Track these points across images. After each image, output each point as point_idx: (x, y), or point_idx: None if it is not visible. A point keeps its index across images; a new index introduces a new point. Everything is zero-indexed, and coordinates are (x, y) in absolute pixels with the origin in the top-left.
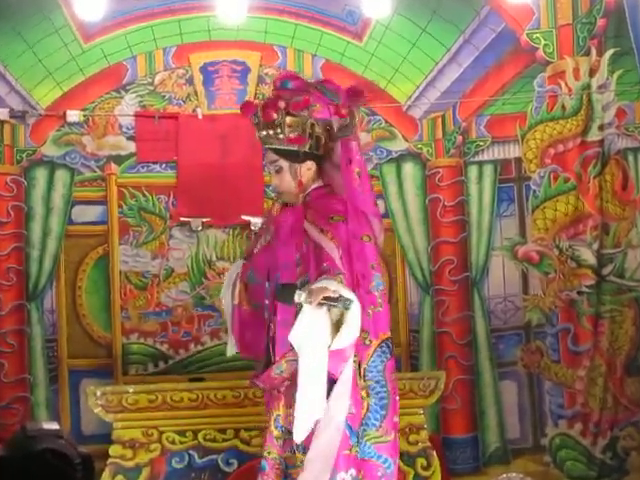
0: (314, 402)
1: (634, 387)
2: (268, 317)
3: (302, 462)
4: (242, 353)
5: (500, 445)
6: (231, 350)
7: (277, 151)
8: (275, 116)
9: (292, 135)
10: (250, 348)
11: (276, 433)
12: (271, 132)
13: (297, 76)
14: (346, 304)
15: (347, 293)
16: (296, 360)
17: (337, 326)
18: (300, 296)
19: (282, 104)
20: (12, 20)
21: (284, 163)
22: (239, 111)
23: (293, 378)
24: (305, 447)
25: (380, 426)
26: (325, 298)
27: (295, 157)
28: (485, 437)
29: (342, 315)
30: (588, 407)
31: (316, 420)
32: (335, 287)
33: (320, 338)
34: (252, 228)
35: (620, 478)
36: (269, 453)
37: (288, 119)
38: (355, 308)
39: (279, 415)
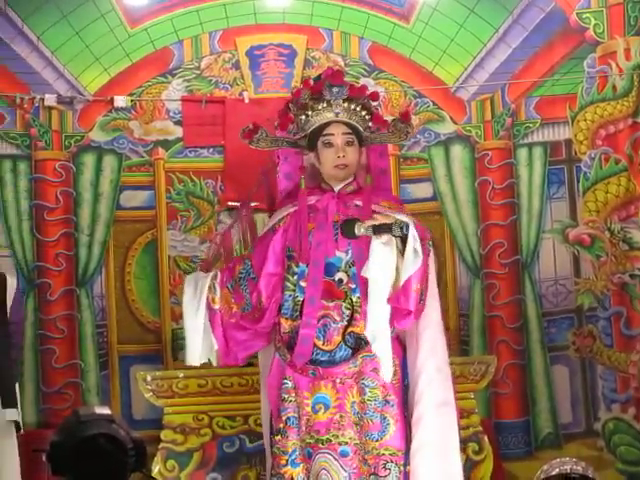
0: (380, 325)
1: None
2: (309, 302)
3: (374, 449)
4: (224, 360)
5: (552, 430)
6: (199, 358)
7: (352, 127)
8: (367, 92)
9: (380, 117)
10: (236, 353)
11: (354, 419)
12: (352, 106)
13: None
14: (402, 227)
15: (402, 217)
16: (370, 355)
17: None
18: (360, 228)
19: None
20: (59, 5)
21: (355, 139)
22: (289, 94)
23: (363, 370)
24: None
25: None
26: (381, 225)
27: (360, 140)
28: (537, 422)
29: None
30: None
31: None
32: (390, 213)
33: (388, 270)
34: None
35: None
36: (351, 439)
37: (367, 103)
38: (412, 231)
39: (354, 402)
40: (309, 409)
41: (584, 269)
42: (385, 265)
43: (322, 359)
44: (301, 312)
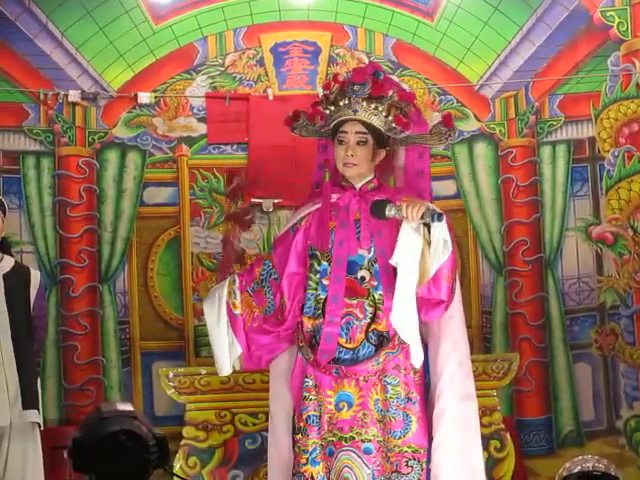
0: (408, 310)
1: None
2: (333, 300)
3: (397, 446)
4: (247, 365)
5: (574, 427)
6: (228, 367)
7: (368, 126)
8: (389, 93)
9: (401, 119)
10: (259, 357)
11: (377, 416)
12: (373, 105)
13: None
14: (434, 215)
15: (435, 207)
16: (393, 352)
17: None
18: (391, 210)
19: (391, 85)
20: (83, 2)
21: (370, 139)
22: (313, 91)
23: (385, 367)
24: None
25: None
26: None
27: (380, 140)
28: (559, 419)
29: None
30: None
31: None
32: (423, 201)
33: (416, 256)
34: (264, 210)
35: None
36: (374, 436)
37: (395, 103)
38: (445, 222)
39: (378, 399)
40: (332, 407)
41: (607, 267)
42: (414, 250)
43: (345, 357)
44: (323, 310)
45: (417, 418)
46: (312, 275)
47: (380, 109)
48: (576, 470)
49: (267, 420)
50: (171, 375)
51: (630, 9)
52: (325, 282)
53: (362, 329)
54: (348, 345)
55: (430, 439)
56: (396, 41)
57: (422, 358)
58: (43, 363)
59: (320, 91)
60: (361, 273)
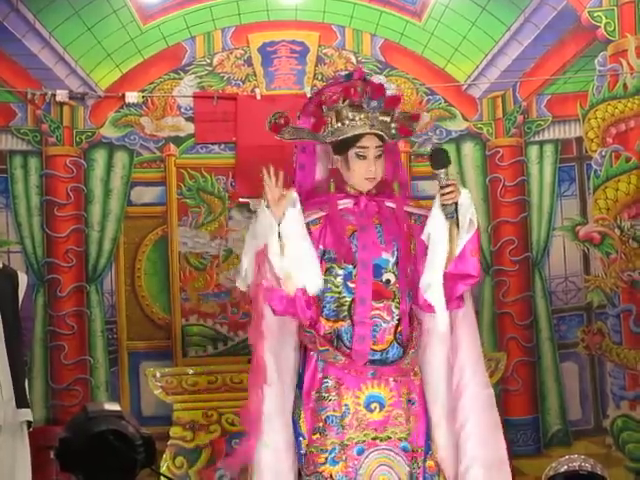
0: (436, 274)
1: None
2: (361, 302)
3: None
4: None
5: (561, 427)
6: None
7: (382, 138)
8: (398, 105)
9: (404, 127)
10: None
11: (406, 415)
12: (386, 119)
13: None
14: (452, 215)
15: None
16: (414, 352)
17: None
18: (442, 173)
19: (396, 95)
20: (71, 1)
21: (383, 151)
22: (301, 91)
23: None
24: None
25: None
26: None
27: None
28: (546, 419)
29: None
30: None
31: None
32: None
33: (445, 227)
34: (252, 209)
35: None
36: (408, 435)
37: (397, 112)
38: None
39: (405, 399)
40: (361, 407)
41: (594, 266)
42: (445, 222)
43: (374, 359)
44: (349, 312)
45: (417, 418)
46: (332, 278)
47: (389, 121)
48: (563, 470)
49: None
50: (158, 375)
51: (617, 9)
52: (350, 285)
53: (390, 331)
54: (376, 347)
55: (429, 439)
56: (384, 41)
57: (447, 322)
58: (30, 363)
59: (308, 91)
60: (386, 276)
